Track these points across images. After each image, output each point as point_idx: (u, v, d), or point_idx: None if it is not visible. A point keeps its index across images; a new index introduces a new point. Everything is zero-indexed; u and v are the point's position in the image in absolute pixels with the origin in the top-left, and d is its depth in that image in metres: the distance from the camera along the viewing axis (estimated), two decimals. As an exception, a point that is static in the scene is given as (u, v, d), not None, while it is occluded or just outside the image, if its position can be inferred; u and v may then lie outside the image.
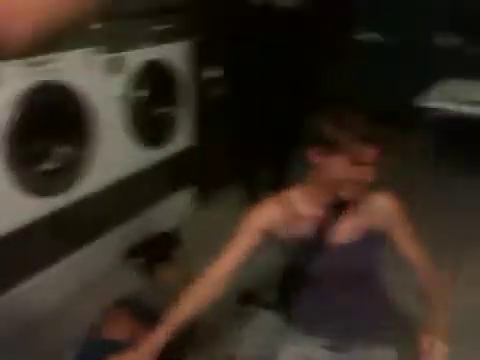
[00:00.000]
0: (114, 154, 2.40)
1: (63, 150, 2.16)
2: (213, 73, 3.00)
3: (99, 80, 2.25)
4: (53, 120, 2.05)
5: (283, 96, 2.95)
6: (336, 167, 1.35)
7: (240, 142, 3.21)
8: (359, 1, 3.84)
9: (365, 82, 3.67)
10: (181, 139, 2.88)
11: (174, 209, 2.93)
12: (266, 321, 1.72)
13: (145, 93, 2.53)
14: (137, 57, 2.46)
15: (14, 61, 1.82)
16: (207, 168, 3.08)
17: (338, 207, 1.43)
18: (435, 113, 2.43)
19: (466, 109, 2.37)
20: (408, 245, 1.50)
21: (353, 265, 1.45)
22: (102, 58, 2.24)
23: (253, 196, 3.13)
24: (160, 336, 1.37)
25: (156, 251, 2.53)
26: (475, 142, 1.64)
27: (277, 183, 3.21)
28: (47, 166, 2.10)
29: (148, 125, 2.59)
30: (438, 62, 3.28)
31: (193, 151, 2.98)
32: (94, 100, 2.21)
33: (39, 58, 1.93)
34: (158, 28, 2.59)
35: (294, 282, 1.51)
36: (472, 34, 3.41)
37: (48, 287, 2.18)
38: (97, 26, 2.16)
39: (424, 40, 3.62)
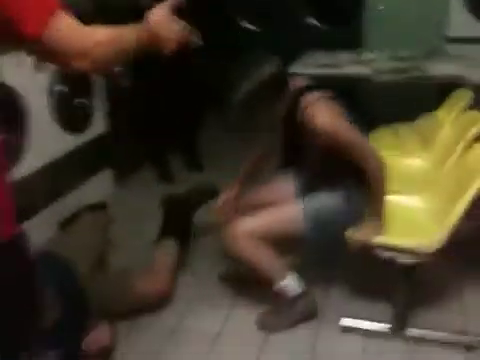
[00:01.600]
0: (43, 140, 2.79)
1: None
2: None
3: (29, 77, 2.64)
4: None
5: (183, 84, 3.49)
6: None
7: (148, 127, 3.69)
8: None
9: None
10: (97, 126, 3.32)
11: (96, 190, 3.36)
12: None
13: (65, 87, 2.95)
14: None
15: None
16: (121, 152, 3.55)
17: None
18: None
19: (325, 71, 3.13)
20: None
21: None
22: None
23: (165, 176, 3.66)
24: None
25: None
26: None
27: (190, 162, 3.78)
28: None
29: (69, 114, 3.01)
30: (302, 39, 4.02)
31: (108, 137, 3.42)
32: (25, 94, 2.60)
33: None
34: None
35: None
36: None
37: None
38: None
39: (289, 23, 4.36)
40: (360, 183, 1.95)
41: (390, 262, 1.95)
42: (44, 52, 1.14)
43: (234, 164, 2.46)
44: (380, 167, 1.88)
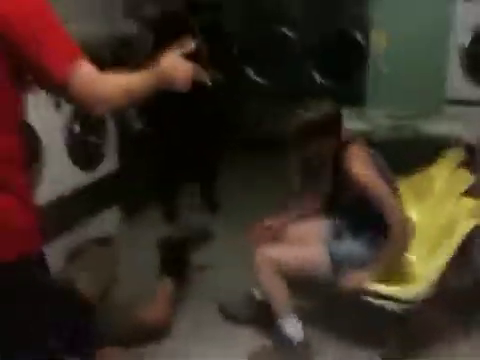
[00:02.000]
0: (56, 175, 2.95)
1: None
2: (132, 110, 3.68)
3: (47, 115, 2.82)
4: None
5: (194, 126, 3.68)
6: None
7: (159, 167, 3.86)
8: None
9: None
10: (108, 164, 3.48)
11: (102, 226, 3.49)
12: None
13: (80, 125, 3.13)
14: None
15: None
16: (129, 190, 3.69)
17: None
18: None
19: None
20: None
21: None
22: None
23: (169, 216, 3.80)
24: None
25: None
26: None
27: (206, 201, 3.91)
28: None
29: (83, 151, 3.17)
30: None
31: (117, 175, 3.58)
32: (41, 130, 2.77)
33: None
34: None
35: None
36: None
37: None
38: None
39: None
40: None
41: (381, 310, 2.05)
42: (65, 96, 1.26)
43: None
44: (401, 224, 2.02)
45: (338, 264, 2.12)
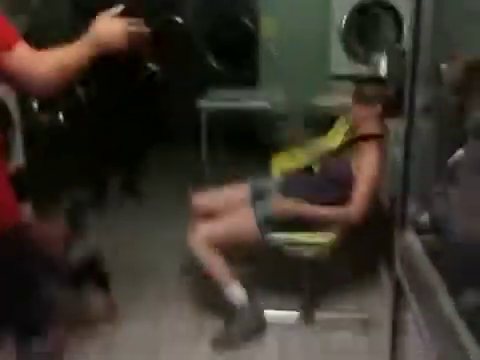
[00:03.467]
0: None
1: None
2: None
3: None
4: None
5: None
6: None
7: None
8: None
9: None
10: (15, 161, 3.44)
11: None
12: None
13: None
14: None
15: None
16: (37, 185, 3.67)
17: None
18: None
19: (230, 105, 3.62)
20: None
21: None
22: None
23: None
24: None
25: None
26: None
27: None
28: None
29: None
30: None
31: (24, 170, 3.55)
32: None
33: None
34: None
35: None
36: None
37: None
38: None
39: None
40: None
41: (296, 257, 2.33)
42: (3, 77, 1.32)
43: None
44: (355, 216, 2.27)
45: (264, 224, 2.34)
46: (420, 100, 1.38)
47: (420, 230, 1.47)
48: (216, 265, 2.34)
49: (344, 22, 4.52)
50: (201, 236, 2.34)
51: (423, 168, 1.35)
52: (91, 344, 2.34)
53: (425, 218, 1.40)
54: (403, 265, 1.45)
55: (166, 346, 2.35)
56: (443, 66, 2.01)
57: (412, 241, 1.41)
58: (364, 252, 2.76)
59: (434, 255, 1.37)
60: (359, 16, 4.48)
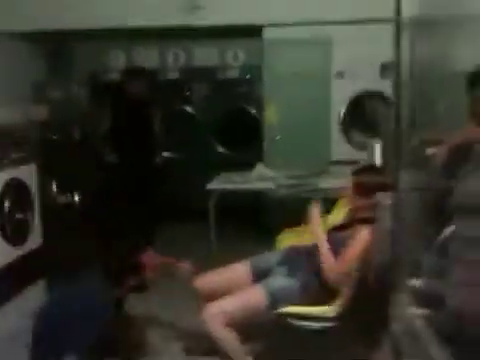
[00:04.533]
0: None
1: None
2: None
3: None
4: None
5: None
6: None
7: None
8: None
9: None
10: (33, 240, 3.62)
11: (29, 300, 3.57)
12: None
13: (8, 203, 3.31)
14: (1, 177, 3.27)
15: None
16: (53, 264, 3.83)
17: None
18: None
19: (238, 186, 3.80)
20: None
21: None
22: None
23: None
24: None
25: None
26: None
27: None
28: None
29: (12, 227, 3.32)
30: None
31: (42, 250, 3.72)
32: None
33: None
34: (15, 156, 3.45)
35: None
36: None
37: None
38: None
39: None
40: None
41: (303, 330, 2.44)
42: None
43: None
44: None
45: (275, 300, 2.46)
46: (407, 179, 1.58)
47: (415, 297, 1.60)
48: (231, 342, 2.42)
49: (343, 112, 4.88)
50: (215, 313, 2.43)
51: (412, 239, 1.52)
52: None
53: (419, 284, 1.55)
54: (399, 329, 1.57)
55: None
56: (429, 151, 2.24)
57: (406, 306, 1.54)
58: (370, 322, 2.85)
59: (430, 322, 1.49)
60: (357, 106, 4.85)
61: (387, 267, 1.62)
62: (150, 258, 2.86)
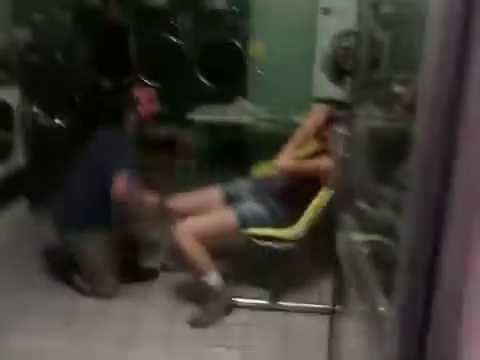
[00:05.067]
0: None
1: None
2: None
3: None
4: None
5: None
6: None
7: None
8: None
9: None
10: (16, 159, 3.73)
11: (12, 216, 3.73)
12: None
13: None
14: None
15: None
16: (36, 182, 3.96)
17: None
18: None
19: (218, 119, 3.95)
20: None
21: None
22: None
23: None
24: None
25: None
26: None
27: None
28: None
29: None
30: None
31: (24, 170, 3.84)
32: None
33: None
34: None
35: None
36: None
37: None
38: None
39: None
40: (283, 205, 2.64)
41: (266, 250, 2.63)
42: None
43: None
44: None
45: (244, 222, 2.65)
46: (370, 113, 1.69)
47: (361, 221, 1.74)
48: (199, 255, 2.62)
49: (327, 49, 4.90)
50: (186, 229, 2.63)
51: (361, 168, 1.65)
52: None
53: (366, 208, 1.69)
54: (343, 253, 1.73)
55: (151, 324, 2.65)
56: (397, 89, 2.34)
57: (351, 230, 1.69)
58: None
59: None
60: (341, 43, 4.87)
61: (340, 194, 1.76)
62: (144, 93, 3.04)
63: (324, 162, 2.61)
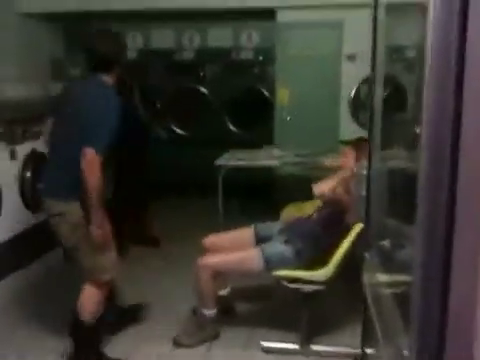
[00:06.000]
0: (12, 216, 3.34)
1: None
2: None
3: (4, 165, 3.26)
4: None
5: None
6: None
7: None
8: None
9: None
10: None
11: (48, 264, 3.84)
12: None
13: (29, 173, 3.55)
14: (23, 149, 3.51)
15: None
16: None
17: None
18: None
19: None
20: None
21: None
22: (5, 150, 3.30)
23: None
24: None
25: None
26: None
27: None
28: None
29: (32, 195, 3.57)
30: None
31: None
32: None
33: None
34: (35, 129, 3.69)
35: None
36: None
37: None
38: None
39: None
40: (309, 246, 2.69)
41: (295, 292, 2.63)
42: None
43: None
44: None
45: (270, 263, 2.67)
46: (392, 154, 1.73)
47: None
48: (209, 291, 2.75)
49: (353, 93, 5.00)
50: (206, 263, 2.72)
51: (384, 208, 1.67)
52: None
53: (386, 244, 1.71)
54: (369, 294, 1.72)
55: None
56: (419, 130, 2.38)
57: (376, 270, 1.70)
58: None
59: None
60: (365, 88, 4.96)
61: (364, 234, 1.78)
62: None
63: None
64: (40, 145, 3.69)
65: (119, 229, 4.30)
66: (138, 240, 4.39)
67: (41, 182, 2.77)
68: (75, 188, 2.44)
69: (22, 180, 3.46)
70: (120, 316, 2.96)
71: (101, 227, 2.47)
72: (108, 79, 2.56)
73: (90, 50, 2.62)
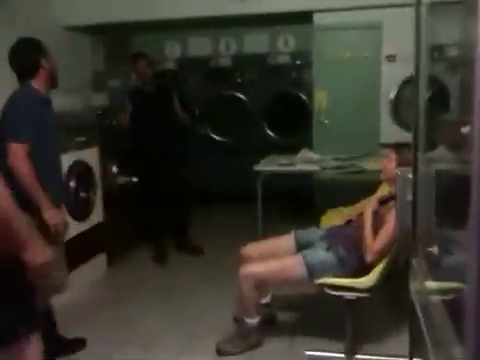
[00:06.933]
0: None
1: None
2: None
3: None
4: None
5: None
6: None
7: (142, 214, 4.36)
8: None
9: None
10: (96, 216, 3.95)
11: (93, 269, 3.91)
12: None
13: (73, 182, 3.63)
14: (68, 158, 3.58)
15: None
16: (113, 238, 4.16)
17: None
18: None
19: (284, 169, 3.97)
20: None
21: None
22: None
23: (159, 258, 4.27)
24: None
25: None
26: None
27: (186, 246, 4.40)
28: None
29: (77, 204, 3.65)
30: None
31: (102, 226, 4.05)
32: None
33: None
34: (79, 140, 3.76)
35: None
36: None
37: None
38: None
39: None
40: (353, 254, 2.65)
41: (338, 299, 2.58)
42: None
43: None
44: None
45: (313, 271, 2.64)
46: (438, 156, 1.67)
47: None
48: (251, 300, 2.72)
49: (394, 94, 4.90)
50: (249, 273, 2.70)
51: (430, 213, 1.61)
52: None
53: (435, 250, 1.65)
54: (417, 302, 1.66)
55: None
56: (465, 130, 2.30)
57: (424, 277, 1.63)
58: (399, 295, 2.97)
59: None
60: (407, 89, 4.84)
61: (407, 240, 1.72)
62: None
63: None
64: (85, 156, 3.77)
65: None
66: (182, 249, 4.43)
67: None
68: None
69: (66, 189, 3.54)
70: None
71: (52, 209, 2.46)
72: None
73: None
